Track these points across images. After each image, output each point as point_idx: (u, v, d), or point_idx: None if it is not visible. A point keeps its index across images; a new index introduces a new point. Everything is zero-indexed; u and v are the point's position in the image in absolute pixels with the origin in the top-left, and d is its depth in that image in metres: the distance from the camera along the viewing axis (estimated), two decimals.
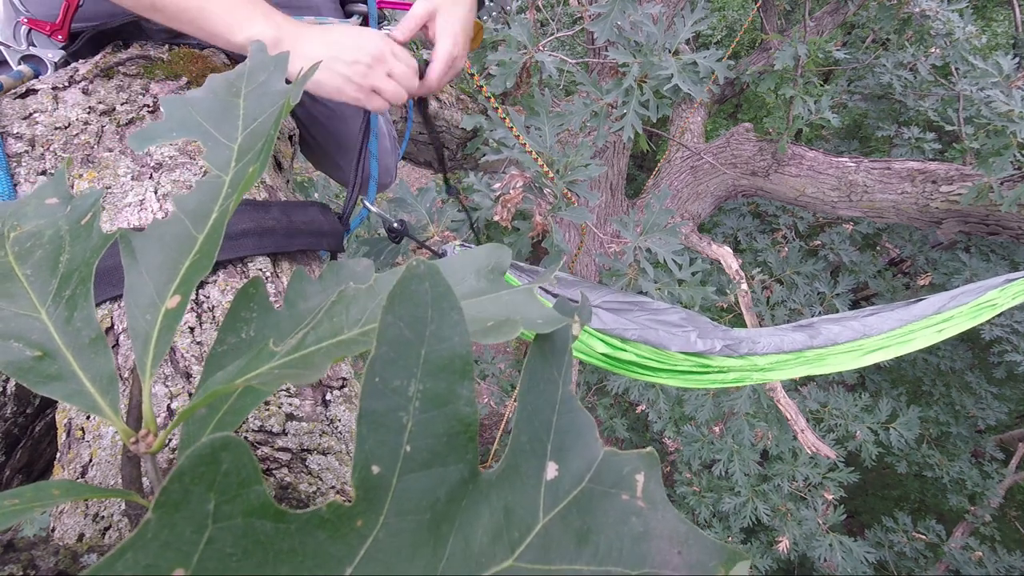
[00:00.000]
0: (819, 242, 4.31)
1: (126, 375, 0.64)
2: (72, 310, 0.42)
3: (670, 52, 1.99)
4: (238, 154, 0.47)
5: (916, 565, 3.93)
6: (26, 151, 0.81)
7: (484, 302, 0.38)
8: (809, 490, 3.54)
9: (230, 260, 0.76)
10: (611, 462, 0.29)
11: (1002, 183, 2.54)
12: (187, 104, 0.50)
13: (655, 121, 2.20)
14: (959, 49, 3.22)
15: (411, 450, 0.26)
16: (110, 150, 0.83)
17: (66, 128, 0.84)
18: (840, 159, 3.22)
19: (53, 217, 0.46)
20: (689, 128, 3.73)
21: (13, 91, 0.86)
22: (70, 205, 0.47)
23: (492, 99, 1.60)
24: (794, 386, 3.79)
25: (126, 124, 0.86)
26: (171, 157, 0.83)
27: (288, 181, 1.07)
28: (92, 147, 0.82)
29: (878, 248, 4.66)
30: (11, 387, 0.79)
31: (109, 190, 0.78)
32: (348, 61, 0.90)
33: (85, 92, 0.88)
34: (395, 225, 1.14)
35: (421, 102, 1.24)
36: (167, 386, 0.63)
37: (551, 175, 1.66)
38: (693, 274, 2.20)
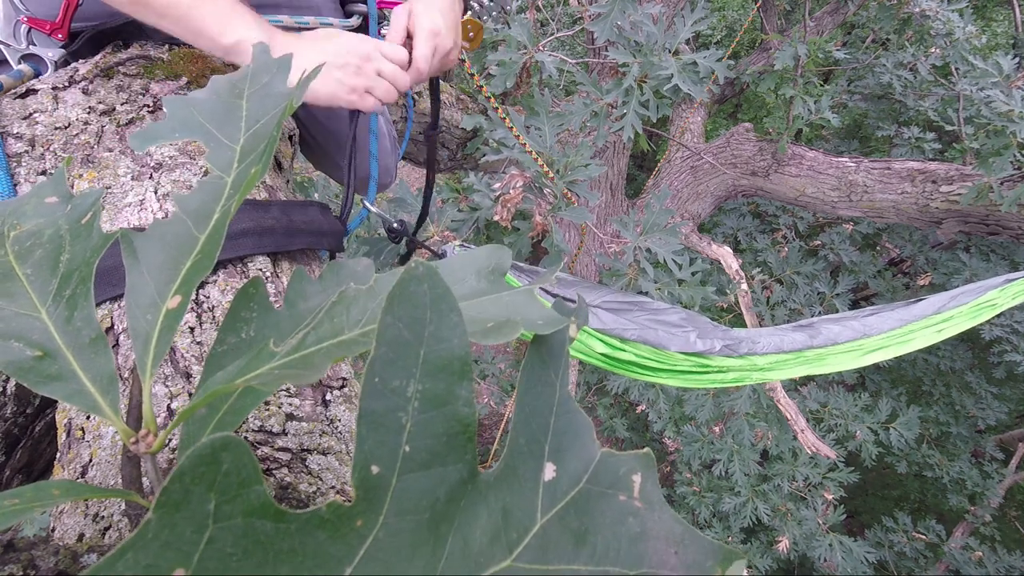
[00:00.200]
0: (819, 242, 4.32)
1: (126, 375, 0.64)
2: (72, 310, 0.42)
3: (670, 52, 1.99)
4: (240, 155, 0.47)
5: (916, 565, 3.93)
6: (26, 151, 0.81)
7: (484, 303, 0.38)
8: (809, 490, 3.54)
9: (230, 260, 0.76)
10: (608, 463, 0.29)
11: (1002, 183, 2.54)
12: (190, 105, 0.50)
13: (655, 121, 2.20)
14: (959, 49, 3.22)
15: (410, 450, 0.26)
16: (110, 150, 0.83)
17: (66, 128, 0.84)
18: (840, 159, 3.22)
19: (53, 216, 0.46)
20: (689, 128, 3.73)
21: (13, 91, 0.86)
22: (70, 204, 0.47)
23: (492, 99, 1.60)
24: (794, 386, 3.79)
25: (126, 124, 0.86)
26: (171, 157, 0.83)
27: (288, 181, 1.07)
28: (92, 147, 0.83)
29: (878, 248, 4.66)
30: (11, 387, 0.79)
31: (109, 190, 0.78)
32: (339, 64, 0.90)
33: (85, 92, 0.88)
34: (395, 225, 1.14)
35: (433, 90, 1.23)
36: (167, 386, 0.63)
37: (551, 175, 1.66)
38: (693, 274, 2.20)
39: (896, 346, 1.61)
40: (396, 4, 1.21)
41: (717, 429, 3.55)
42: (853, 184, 3.12)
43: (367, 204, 1.13)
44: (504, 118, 1.62)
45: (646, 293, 2.10)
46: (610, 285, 2.10)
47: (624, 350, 1.44)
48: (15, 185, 0.79)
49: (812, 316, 2.11)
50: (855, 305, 4.09)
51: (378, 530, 0.25)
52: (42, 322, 0.42)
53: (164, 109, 0.49)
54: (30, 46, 0.92)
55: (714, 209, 3.71)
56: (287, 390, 0.67)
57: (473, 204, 1.80)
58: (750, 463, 3.42)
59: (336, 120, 1.27)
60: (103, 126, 0.85)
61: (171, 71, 0.95)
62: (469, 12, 1.25)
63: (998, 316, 2.78)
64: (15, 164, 0.80)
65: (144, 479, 0.45)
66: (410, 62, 0.99)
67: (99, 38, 0.96)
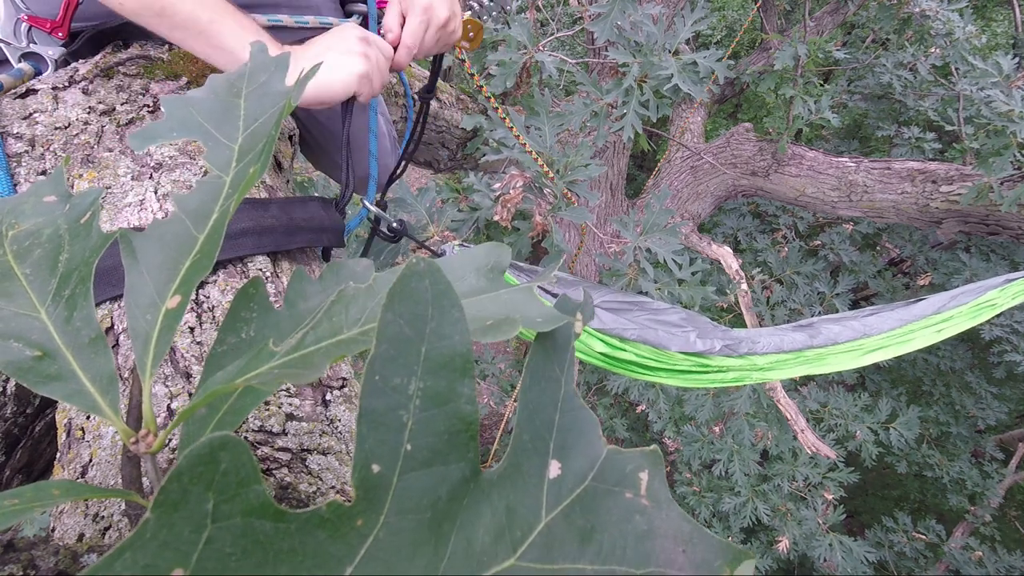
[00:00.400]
0: (819, 242, 4.32)
1: (126, 375, 0.64)
2: (72, 310, 0.42)
3: (670, 52, 1.99)
4: (239, 155, 0.46)
5: (916, 565, 3.93)
6: (26, 151, 0.81)
7: (483, 301, 0.38)
8: (809, 490, 3.54)
9: (230, 260, 0.76)
10: (614, 460, 0.29)
11: (1002, 183, 2.54)
12: (188, 104, 0.50)
13: (655, 121, 2.20)
14: (959, 49, 3.22)
15: (412, 449, 0.26)
16: (110, 150, 0.83)
17: (66, 128, 0.83)
18: (840, 159, 3.22)
19: (52, 216, 0.46)
20: (689, 128, 3.73)
21: (13, 91, 0.86)
22: (69, 203, 0.47)
23: (492, 99, 1.60)
24: (794, 386, 3.79)
25: (126, 124, 0.86)
26: (171, 157, 0.83)
27: (288, 181, 1.07)
28: (92, 147, 0.82)
29: (878, 248, 4.66)
30: (11, 387, 0.78)
31: (109, 190, 0.78)
32: (343, 51, 0.90)
33: (85, 92, 0.88)
34: (394, 225, 1.14)
35: (435, 63, 1.22)
36: (167, 386, 0.63)
37: (551, 175, 1.66)
38: (693, 274, 2.20)
39: (896, 346, 1.61)
40: None
41: (717, 429, 3.55)
42: (853, 184, 3.12)
43: (367, 203, 1.12)
44: (504, 118, 1.62)
45: (646, 293, 2.10)
46: (610, 285, 2.10)
47: (624, 350, 1.44)
48: (15, 185, 0.79)
49: (812, 316, 2.11)
50: (855, 305, 4.09)
51: (379, 529, 0.25)
52: (41, 322, 0.42)
53: (162, 109, 0.49)
54: (30, 44, 0.92)
55: (714, 209, 3.71)
56: (287, 390, 0.67)
57: (473, 204, 1.80)
58: (750, 463, 3.42)
59: (336, 120, 1.27)
60: (103, 126, 0.85)
61: (171, 71, 0.95)
62: (469, 12, 1.25)
63: (998, 316, 2.78)
64: (15, 164, 0.80)
65: (144, 479, 0.44)
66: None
67: (99, 38, 0.96)
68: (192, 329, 0.68)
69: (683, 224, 3.03)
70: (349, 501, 0.25)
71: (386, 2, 1.19)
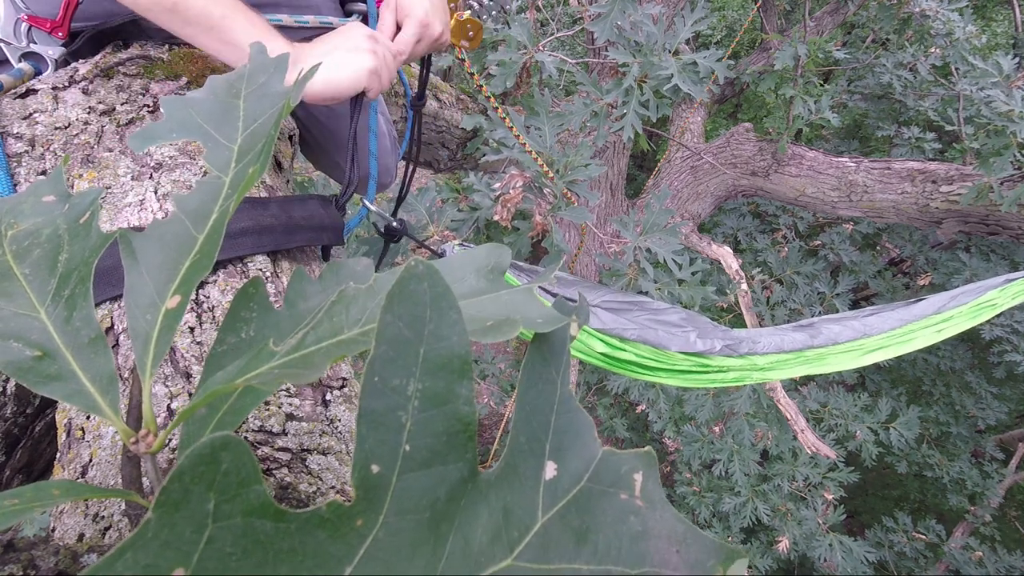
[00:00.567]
0: (819, 242, 4.32)
1: (126, 375, 0.64)
2: (71, 310, 0.42)
3: (670, 52, 1.99)
4: (238, 155, 0.47)
5: (916, 565, 3.93)
6: (26, 151, 0.81)
7: (484, 301, 0.38)
8: (809, 490, 3.54)
9: (229, 259, 0.76)
10: (609, 461, 0.29)
11: (1002, 183, 2.54)
12: (187, 105, 0.50)
13: (655, 121, 2.20)
14: (959, 49, 3.22)
15: (410, 449, 0.26)
16: (110, 150, 0.83)
17: (66, 128, 0.84)
18: (840, 159, 3.22)
19: (51, 215, 0.46)
20: (689, 128, 3.73)
21: (13, 91, 0.86)
22: (68, 203, 0.47)
23: (492, 99, 1.60)
24: (794, 386, 3.79)
25: (126, 124, 0.86)
26: (171, 157, 0.83)
27: (288, 181, 1.07)
28: (92, 147, 0.83)
29: (878, 248, 4.66)
30: (11, 387, 0.79)
31: (109, 190, 0.78)
32: (351, 48, 0.90)
33: (85, 92, 0.88)
34: (394, 224, 1.14)
35: (424, 65, 1.23)
36: (167, 386, 0.63)
37: (551, 175, 1.66)
38: (693, 274, 2.20)
39: (896, 346, 1.61)
40: None
41: (717, 429, 3.55)
42: (853, 184, 3.12)
43: (367, 203, 1.12)
44: (504, 118, 1.62)
45: (646, 293, 2.10)
46: (610, 285, 2.10)
47: (624, 350, 1.44)
48: (15, 185, 0.79)
49: (812, 316, 2.11)
50: (855, 305, 4.10)
51: (378, 529, 0.25)
52: (41, 322, 0.42)
53: (162, 109, 0.49)
54: (31, 44, 0.92)
55: (714, 209, 3.71)
56: (287, 390, 0.67)
57: (473, 204, 1.81)
58: (750, 463, 3.42)
59: (336, 119, 1.27)
60: (103, 126, 0.85)
61: (171, 71, 0.95)
62: (469, 12, 1.25)
63: (998, 316, 2.78)
64: (15, 164, 0.80)
65: (144, 479, 0.45)
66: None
67: (99, 38, 0.96)
68: (192, 329, 0.68)
69: (683, 224, 3.03)
70: (349, 501, 0.25)
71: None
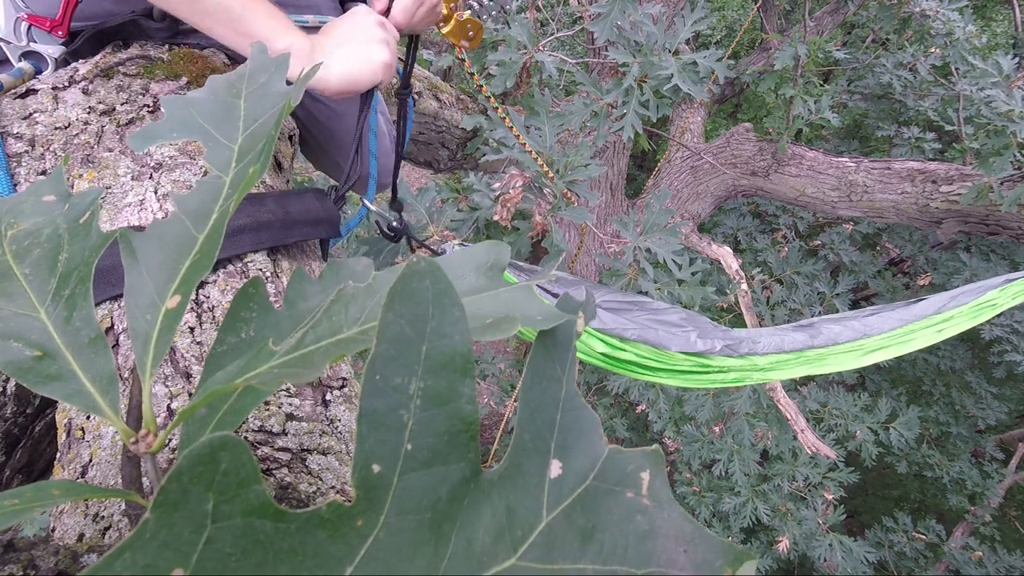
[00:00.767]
0: (819, 242, 4.32)
1: (126, 375, 0.64)
2: (71, 310, 0.42)
3: (670, 52, 1.99)
4: (239, 155, 0.46)
5: (916, 565, 3.93)
6: (26, 151, 0.81)
7: (483, 299, 0.38)
8: (809, 490, 3.54)
9: (229, 259, 0.76)
10: (616, 460, 0.29)
11: (1002, 183, 2.54)
12: (188, 105, 0.50)
13: (655, 121, 2.20)
14: (959, 49, 3.22)
15: (412, 449, 0.26)
16: (110, 150, 0.82)
17: (66, 128, 0.83)
18: (840, 159, 3.22)
19: (51, 215, 0.46)
20: (689, 128, 3.73)
21: (13, 91, 0.86)
22: (68, 203, 0.46)
23: (492, 99, 1.60)
24: (794, 386, 3.79)
25: (126, 124, 0.86)
26: (171, 157, 0.83)
27: (288, 181, 1.07)
28: (92, 147, 0.82)
29: (878, 248, 4.66)
30: (11, 387, 0.78)
31: (109, 190, 0.78)
32: (366, 40, 0.91)
33: (85, 92, 0.88)
34: (394, 224, 1.14)
35: (412, 47, 1.21)
36: (167, 386, 0.62)
37: (551, 175, 1.66)
38: (693, 274, 2.20)
39: (896, 346, 1.61)
40: None
41: (717, 429, 3.55)
42: (853, 184, 3.12)
43: (366, 203, 1.12)
44: (504, 118, 1.62)
45: (646, 293, 2.10)
46: (610, 285, 2.10)
47: (625, 350, 1.44)
48: (15, 185, 0.79)
49: (812, 316, 2.11)
50: (855, 305, 4.09)
51: (379, 530, 0.25)
52: (41, 322, 0.42)
53: (162, 109, 0.49)
54: (31, 43, 0.92)
55: (714, 209, 3.71)
56: (287, 390, 0.66)
57: (473, 204, 1.80)
58: (750, 463, 3.42)
59: (336, 120, 1.27)
60: (103, 126, 0.85)
61: (171, 71, 0.95)
62: (469, 12, 1.25)
63: (998, 316, 2.78)
64: (15, 164, 0.80)
65: (144, 479, 0.44)
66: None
67: (99, 37, 0.96)
68: (192, 329, 0.68)
69: (683, 224, 3.03)
70: (349, 501, 0.25)
71: None
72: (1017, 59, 2.66)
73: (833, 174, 3.17)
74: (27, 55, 0.93)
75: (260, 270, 0.78)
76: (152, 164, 0.82)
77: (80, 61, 0.93)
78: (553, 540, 0.27)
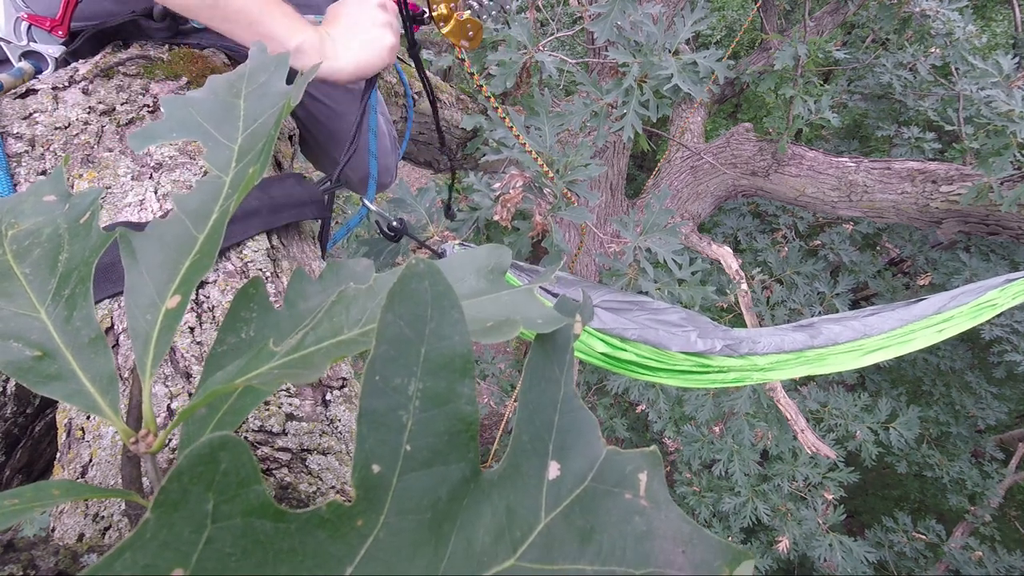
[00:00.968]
0: (819, 242, 4.32)
1: (126, 375, 0.64)
2: (71, 309, 0.42)
3: (670, 52, 1.99)
4: (238, 155, 0.46)
5: (916, 565, 3.93)
6: (26, 151, 0.81)
7: (484, 302, 0.38)
8: (809, 490, 3.54)
9: (226, 256, 0.76)
10: (614, 461, 0.29)
11: (1002, 183, 2.54)
12: (188, 104, 0.50)
13: (655, 121, 2.20)
14: (959, 49, 3.22)
15: (412, 449, 0.26)
16: (110, 150, 0.83)
17: (66, 128, 0.83)
18: (840, 159, 3.22)
19: (51, 215, 0.46)
20: (689, 128, 3.73)
21: (13, 91, 0.86)
22: (68, 203, 0.47)
23: (492, 99, 1.60)
24: (794, 386, 3.79)
25: (126, 124, 0.86)
26: (171, 157, 0.83)
27: None
28: (92, 147, 0.82)
29: (878, 248, 4.66)
30: (11, 387, 0.78)
31: (109, 190, 0.78)
32: (372, 24, 0.93)
33: (85, 92, 0.88)
34: (394, 224, 1.14)
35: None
36: (167, 386, 0.62)
37: (551, 175, 1.66)
38: (693, 274, 2.20)
39: (897, 346, 1.61)
40: (395, 4, 1.21)
41: (717, 429, 3.55)
42: (853, 184, 3.12)
43: (366, 202, 1.12)
44: (504, 118, 1.62)
45: (646, 293, 2.10)
46: (610, 285, 2.10)
47: (625, 350, 1.44)
48: (15, 185, 0.79)
49: (812, 316, 2.11)
50: (855, 305, 4.09)
51: (379, 530, 0.25)
52: (41, 322, 0.42)
53: (162, 109, 0.49)
54: (31, 43, 0.92)
55: (714, 209, 3.71)
56: (287, 390, 0.67)
57: (473, 204, 1.80)
58: (750, 463, 3.42)
59: (336, 120, 1.27)
60: (103, 126, 0.85)
61: (171, 71, 0.95)
62: (469, 12, 1.24)
63: (998, 316, 2.78)
64: (15, 164, 0.80)
65: (144, 479, 0.44)
66: None
67: (99, 37, 0.96)
68: (192, 329, 0.68)
69: (683, 224, 3.03)
70: (349, 501, 0.25)
71: None
72: (1017, 59, 2.66)
73: (833, 174, 3.17)
74: (27, 55, 0.93)
75: (260, 270, 0.78)
76: (152, 164, 0.82)
77: (80, 61, 0.93)
78: (552, 541, 0.27)
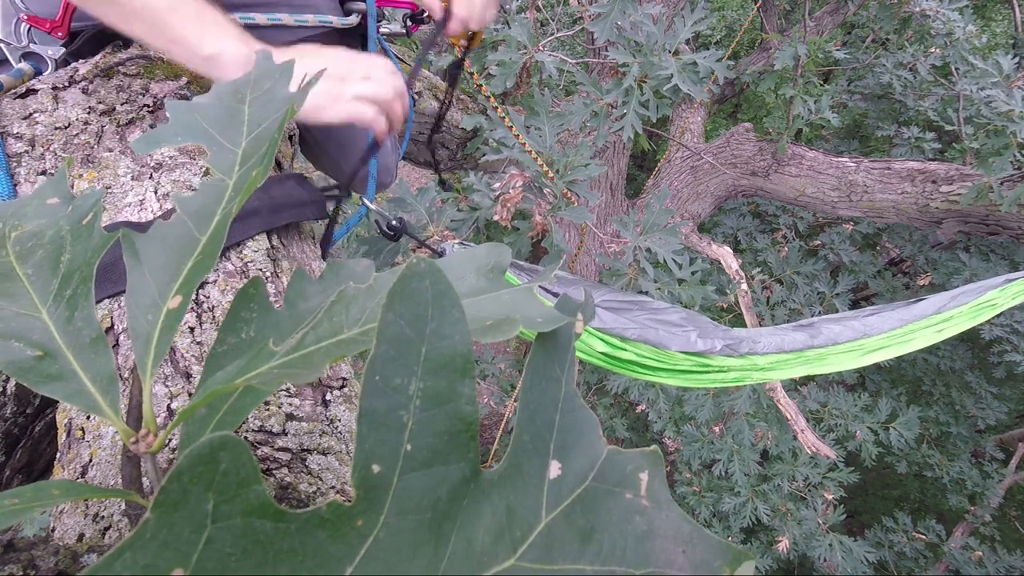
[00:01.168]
0: (819, 242, 4.31)
1: (126, 375, 0.64)
2: (73, 310, 0.42)
3: (670, 52, 1.99)
4: (242, 159, 0.47)
5: (916, 565, 3.93)
6: (26, 151, 0.81)
7: (484, 301, 0.38)
8: (809, 490, 3.54)
9: (227, 256, 0.76)
10: (615, 460, 0.29)
11: (1002, 183, 2.54)
12: (193, 110, 0.50)
13: (655, 121, 2.20)
14: (959, 49, 3.22)
15: (412, 449, 0.26)
16: (110, 150, 0.83)
17: (66, 128, 0.83)
18: (840, 159, 3.22)
19: (54, 217, 0.46)
20: (689, 128, 3.73)
21: (13, 91, 0.86)
22: (71, 205, 0.47)
23: (492, 99, 1.60)
24: (794, 386, 3.79)
25: (126, 124, 0.86)
26: (171, 157, 0.83)
27: None
28: (92, 147, 0.82)
29: (878, 248, 4.66)
30: (11, 387, 0.79)
31: (109, 190, 0.78)
32: (352, 78, 0.87)
33: (85, 92, 0.88)
34: (393, 223, 1.14)
35: (455, 71, 1.22)
36: (167, 386, 0.63)
37: (551, 175, 1.66)
38: (693, 274, 2.20)
39: (897, 346, 1.61)
40: (396, 3, 1.21)
41: (717, 429, 3.55)
42: (853, 184, 3.12)
43: (366, 202, 1.12)
44: (504, 118, 1.62)
45: (646, 293, 2.10)
46: (610, 285, 2.10)
47: (625, 349, 1.44)
48: (15, 185, 0.79)
49: (812, 316, 2.11)
50: (855, 305, 4.09)
51: (379, 530, 0.25)
52: (43, 322, 0.42)
53: (167, 113, 0.49)
54: (30, 44, 0.92)
55: (714, 209, 3.71)
56: (287, 390, 0.67)
57: (473, 204, 1.80)
58: (750, 463, 3.42)
59: None
60: (103, 126, 0.85)
61: (171, 71, 0.95)
62: None
63: (998, 316, 2.78)
64: (15, 164, 0.80)
65: (144, 479, 0.44)
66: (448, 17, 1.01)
67: (99, 37, 0.96)
68: (192, 329, 0.68)
69: (683, 224, 3.03)
70: (349, 501, 0.25)
71: (386, 0, 1.19)
72: (1017, 59, 2.66)
73: (833, 174, 3.17)
74: (27, 56, 0.93)
75: (260, 270, 0.78)
76: (152, 164, 0.82)
77: (80, 61, 0.94)
78: (552, 540, 0.27)
